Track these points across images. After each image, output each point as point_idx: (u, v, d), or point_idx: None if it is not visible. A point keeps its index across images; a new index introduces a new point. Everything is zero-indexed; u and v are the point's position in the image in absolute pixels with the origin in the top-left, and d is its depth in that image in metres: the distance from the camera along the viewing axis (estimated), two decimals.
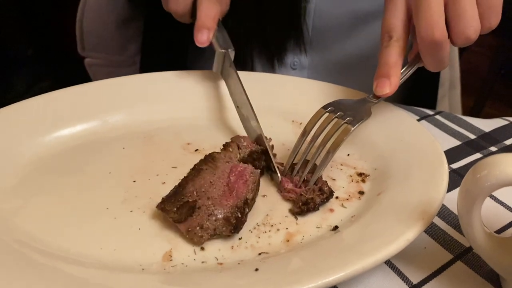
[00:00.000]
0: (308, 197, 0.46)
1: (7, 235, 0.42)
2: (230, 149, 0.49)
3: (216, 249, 0.42)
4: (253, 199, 0.45)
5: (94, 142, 0.55)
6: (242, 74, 0.65)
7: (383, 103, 0.57)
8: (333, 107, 0.50)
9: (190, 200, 0.43)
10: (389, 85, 0.48)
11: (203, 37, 0.55)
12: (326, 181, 0.48)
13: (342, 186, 0.50)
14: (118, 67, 0.92)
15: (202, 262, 0.40)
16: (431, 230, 0.46)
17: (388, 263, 0.43)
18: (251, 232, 0.44)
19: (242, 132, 0.57)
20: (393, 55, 0.48)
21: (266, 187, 0.49)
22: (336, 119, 0.49)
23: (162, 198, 0.44)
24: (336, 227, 0.44)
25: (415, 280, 0.41)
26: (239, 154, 0.49)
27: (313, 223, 0.45)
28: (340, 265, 0.36)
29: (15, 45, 1.84)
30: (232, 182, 0.45)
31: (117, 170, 0.51)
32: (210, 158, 0.48)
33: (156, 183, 0.49)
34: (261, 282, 0.37)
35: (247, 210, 0.43)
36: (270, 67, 0.75)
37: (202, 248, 0.42)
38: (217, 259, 0.41)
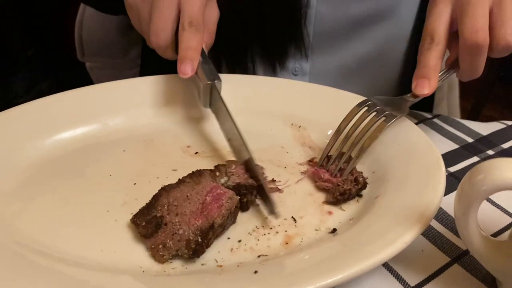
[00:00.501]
0: (346, 188, 0.48)
1: (8, 237, 0.42)
2: (217, 173, 0.48)
3: (215, 251, 0.42)
4: (222, 226, 0.43)
5: (95, 145, 0.55)
6: (242, 77, 0.66)
7: None
8: (368, 104, 0.52)
9: (158, 215, 0.43)
10: (428, 86, 0.50)
11: (186, 68, 0.52)
12: (361, 172, 0.50)
13: None
14: (119, 70, 0.93)
15: (202, 264, 0.41)
16: (429, 233, 0.47)
17: (386, 265, 0.43)
18: (251, 234, 0.44)
19: (243, 134, 0.57)
20: (433, 58, 0.50)
21: None
22: (372, 114, 0.51)
23: (140, 209, 0.44)
24: (334, 230, 0.44)
25: (412, 282, 0.42)
26: (225, 181, 0.47)
27: (311, 226, 0.45)
28: (339, 268, 0.36)
29: (15, 46, 1.84)
30: (207, 202, 0.44)
31: (118, 172, 0.51)
32: (197, 173, 0.47)
33: (156, 186, 0.49)
34: (260, 284, 0.37)
35: (210, 235, 0.42)
36: (272, 72, 0.75)
37: None
38: (217, 261, 0.41)
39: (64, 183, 0.50)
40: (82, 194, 0.48)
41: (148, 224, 0.42)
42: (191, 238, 0.41)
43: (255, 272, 0.38)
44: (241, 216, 0.46)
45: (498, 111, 2.17)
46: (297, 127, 0.60)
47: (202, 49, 0.56)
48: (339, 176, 0.50)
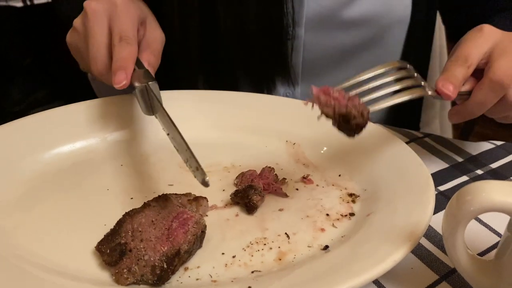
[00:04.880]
0: (349, 111, 0.46)
1: (6, 250, 0.43)
2: (190, 204, 0.48)
3: (210, 266, 0.43)
4: (189, 252, 0.43)
5: (93, 159, 0.56)
6: (237, 94, 0.67)
7: (373, 126, 0.59)
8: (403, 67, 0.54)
9: (122, 241, 0.42)
10: (453, 90, 0.51)
11: (120, 77, 0.52)
12: (368, 109, 0.48)
13: (333, 206, 0.51)
14: None
15: (197, 279, 0.42)
16: (418, 251, 0.48)
17: (376, 282, 0.44)
18: (245, 250, 0.45)
19: (238, 150, 0.58)
20: (462, 74, 0.51)
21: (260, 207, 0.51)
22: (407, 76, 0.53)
23: (104, 235, 0.44)
24: (326, 247, 0.46)
25: None
26: (196, 213, 0.46)
27: (304, 242, 0.46)
28: (330, 284, 0.37)
29: (13, 54, 1.85)
30: (173, 228, 0.43)
31: (115, 187, 0.52)
32: (163, 197, 0.47)
33: None
34: None
35: (176, 261, 0.41)
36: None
37: (197, 266, 0.43)
38: (211, 276, 0.42)
39: (62, 197, 0.51)
40: (80, 208, 0.49)
41: (113, 251, 0.42)
42: (156, 264, 0.40)
43: (249, 287, 0.39)
44: (236, 232, 0.47)
45: (490, 128, 2.19)
46: (292, 144, 0.61)
47: (138, 60, 0.57)
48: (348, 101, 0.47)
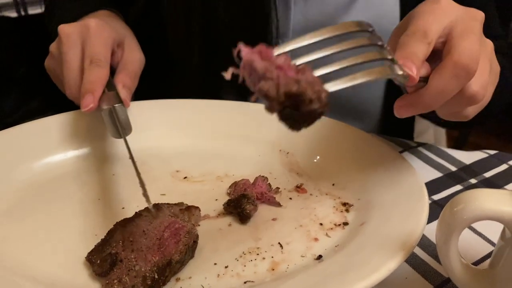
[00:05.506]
0: (302, 90, 0.31)
1: None
2: (182, 214, 0.47)
3: (202, 277, 0.43)
4: (180, 262, 0.42)
5: (85, 168, 0.56)
6: (231, 103, 0.67)
7: (366, 135, 0.59)
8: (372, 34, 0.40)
9: (113, 251, 0.42)
10: (416, 72, 0.41)
11: (87, 101, 0.52)
12: (327, 90, 0.33)
13: (327, 215, 0.51)
14: None
15: None
16: (412, 260, 0.48)
17: None
18: (237, 260, 0.45)
19: (231, 160, 0.58)
20: (421, 50, 0.42)
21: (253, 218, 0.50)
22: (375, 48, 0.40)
23: (95, 245, 0.43)
24: (320, 256, 0.45)
25: None
26: (187, 223, 0.46)
27: (298, 252, 0.46)
28: None
29: (7, 65, 1.85)
30: (165, 238, 0.43)
31: (107, 197, 0.52)
32: (155, 207, 0.46)
33: None
34: None
35: (167, 272, 0.41)
36: None
37: (189, 277, 0.42)
38: (203, 287, 0.42)
39: (53, 206, 0.50)
40: (71, 218, 0.49)
41: (103, 262, 0.41)
42: (147, 274, 0.40)
43: None
44: (228, 242, 0.47)
45: (484, 138, 2.20)
46: (285, 153, 0.61)
47: (111, 82, 0.57)
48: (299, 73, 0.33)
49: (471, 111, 0.47)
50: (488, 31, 0.47)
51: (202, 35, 0.73)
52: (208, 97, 0.68)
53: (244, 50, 0.32)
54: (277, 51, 0.35)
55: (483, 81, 0.44)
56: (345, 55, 0.39)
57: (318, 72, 0.36)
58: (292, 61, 0.35)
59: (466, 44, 0.42)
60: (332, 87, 0.35)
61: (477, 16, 0.45)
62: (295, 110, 0.32)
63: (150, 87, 0.88)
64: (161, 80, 0.85)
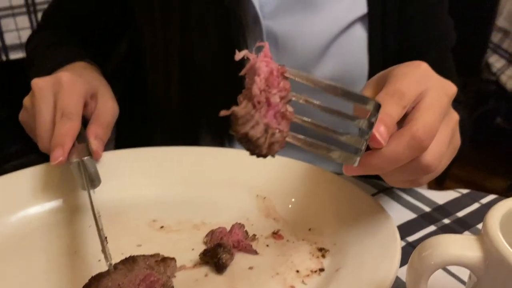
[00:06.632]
0: (256, 134, 0.35)
1: None
2: (157, 266, 0.47)
3: None
4: None
5: (61, 220, 0.56)
6: (209, 149, 0.68)
7: (340, 179, 0.60)
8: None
9: None
10: (385, 136, 0.41)
11: (56, 154, 0.53)
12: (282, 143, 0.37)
13: (303, 261, 0.51)
14: None
15: None
16: None
17: None
18: None
19: (208, 207, 0.59)
20: (396, 113, 0.43)
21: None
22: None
23: None
24: None
25: None
26: (163, 275, 0.46)
27: None
28: None
29: None
30: None
31: (83, 249, 0.52)
32: (131, 259, 0.46)
33: None
34: None
35: None
36: None
37: None
38: None
39: (29, 259, 0.50)
40: (47, 272, 0.49)
41: None
42: None
43: None
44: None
45: (466, 170, 2.23)
46: (262, 198, 0.62)
47: (83, 134, 0.58)
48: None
49: (425, 179, 0.49)
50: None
51: (180, 81, 0.75)
52: (187, 140, 0.69)
53: (256, 58, 0.36)
54: (289, 74, 0.38)
55: (439, 152, 0.45)
56: (332, 118, 0.41)
57: (296, 119, 0.39)
58: (291, 93, 0.38)
59: (428, 119, 0.43)
60: (292, 138, 0.39)
61: (449, 92, 0.46)
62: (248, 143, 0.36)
63: (131, 133, 0.89)
64: (142, 125, 0.86)
